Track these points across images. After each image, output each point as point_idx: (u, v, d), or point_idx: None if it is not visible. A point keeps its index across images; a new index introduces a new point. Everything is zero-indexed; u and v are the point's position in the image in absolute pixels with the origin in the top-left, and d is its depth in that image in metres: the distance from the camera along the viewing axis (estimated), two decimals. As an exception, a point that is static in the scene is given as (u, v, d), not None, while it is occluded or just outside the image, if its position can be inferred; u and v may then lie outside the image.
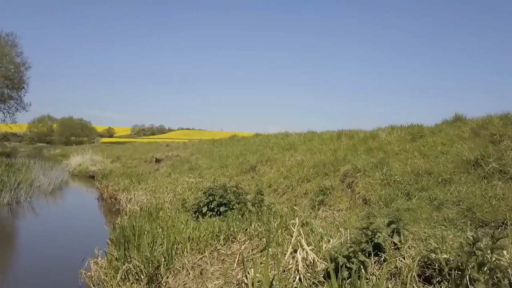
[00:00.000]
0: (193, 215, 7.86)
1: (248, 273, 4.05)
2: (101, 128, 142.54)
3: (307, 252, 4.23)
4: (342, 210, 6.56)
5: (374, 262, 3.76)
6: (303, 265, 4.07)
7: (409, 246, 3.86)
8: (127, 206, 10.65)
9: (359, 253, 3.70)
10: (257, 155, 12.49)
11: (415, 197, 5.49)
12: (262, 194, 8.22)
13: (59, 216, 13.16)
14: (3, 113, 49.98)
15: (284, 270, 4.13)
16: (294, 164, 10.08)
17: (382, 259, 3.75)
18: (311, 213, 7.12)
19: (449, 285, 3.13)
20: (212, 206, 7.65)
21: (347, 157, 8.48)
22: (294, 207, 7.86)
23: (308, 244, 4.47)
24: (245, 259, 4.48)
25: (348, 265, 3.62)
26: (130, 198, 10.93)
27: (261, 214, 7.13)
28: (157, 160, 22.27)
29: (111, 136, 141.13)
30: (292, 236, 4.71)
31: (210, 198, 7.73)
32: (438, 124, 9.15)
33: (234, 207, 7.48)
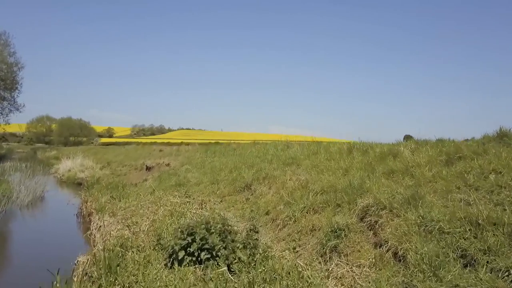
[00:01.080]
0: (168, 259, 6.06)
1: None
2: (100, 128, 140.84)
3: None
4: (364, 267, 4.75)
5: None
6: None
7: None
8: (97, 235, 8.84)
9: None
10: (254, 170, 10.66)
11: (480, 265, 3.66)
12: (257, 232, 6.41)
13: (24, 238, 11.37)
14: (-4, 114, 48.07)
15: None
16: (297, 185, 8.24)
17: None
18: (320, 264, 5.31)
19: None
20: (191, 250, 5.85)
21: (364, 183, 6.63)
22: (297, 249, 6.07)
23: None
24: None
25: None
26: (100, 226, 9.12)
27: (255, 265, 5.34)
28: (148, 168, 20.47)
29: (110, 136, 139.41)
30: None
31: (189, 239, 5.93)
32: (478, 139, 7.35)
33: (219, 253, 5.67)
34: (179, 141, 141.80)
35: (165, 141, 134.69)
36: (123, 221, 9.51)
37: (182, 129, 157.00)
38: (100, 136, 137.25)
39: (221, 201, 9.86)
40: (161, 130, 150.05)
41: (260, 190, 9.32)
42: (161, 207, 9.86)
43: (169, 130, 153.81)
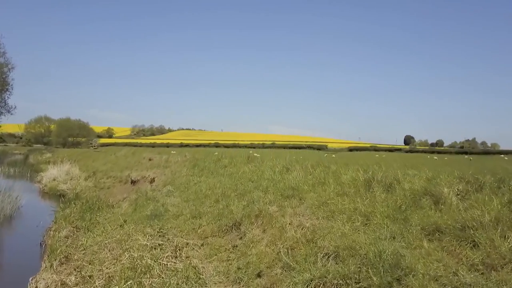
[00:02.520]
0: None
1: None
2: (100, 128, 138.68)
3: None
4: None
5: None
6: None
7: None
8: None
9: None
10: (245, 202, 8.41)
11: None
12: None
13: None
14: (-14, 117, 45.81)
15: None
16: (300, 236, 6.01)
17: None
18: None
19: None
20: None
21: (402, 257, 4.37)
22: None
23: None
24: None
25: None
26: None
27: None
28: (132, 182, 18.26)
29: (110, 136, 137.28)
30: None
31: None
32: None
33: None
34: (179, 141, 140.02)
35: (165, 141, 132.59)
36: (76, 271, 7.29)
37: (182, 129, 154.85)
38: (100, 136, 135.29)
39: (202, 245, 7.61)
40: (161, 131, 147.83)
41: (252, 234, 7.07)
42: (126, 252, 7.64)
43: (169, 130, 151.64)
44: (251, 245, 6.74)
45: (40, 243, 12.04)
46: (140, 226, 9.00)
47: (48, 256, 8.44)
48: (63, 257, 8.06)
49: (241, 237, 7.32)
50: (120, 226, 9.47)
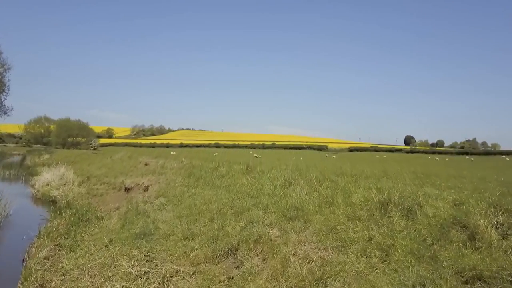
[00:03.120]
0: None
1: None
2: (100, 128, 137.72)
3: None
4: None
5: None
6: None
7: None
8: None
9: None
10: (242, 223, 7.47)
11: None
12: None
13: None
14: (-17, 118, 44.88)
15: None
16: (307, 274, 5.08)
17: None
18: None
19: None
20: None
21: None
22: None
23: None
24: None
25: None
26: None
27: None
28: (126, 189, 17.33)
29: (110, 137, 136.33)
30: None
31: None
32: None
33: None
34: (179, 142, 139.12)
35: (165, 142, 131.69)
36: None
37: (182, 129, 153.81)
38: (99, 136, 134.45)
39: (194, 273, 6.67)
40: (161, 131, 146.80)
41: (250, 264, 6.14)
42: (108, 282, 6.70)
43: (169, 130, 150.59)
44: (249, 278, 5.80)
45: (23, 259, 11.13)
46: (126, 247, 8.06)
47: (22, 283, 7.49)
48: (38, 286, 7.12)
49: (238, 266, 6.38)
50: (106, 246, 8.53)
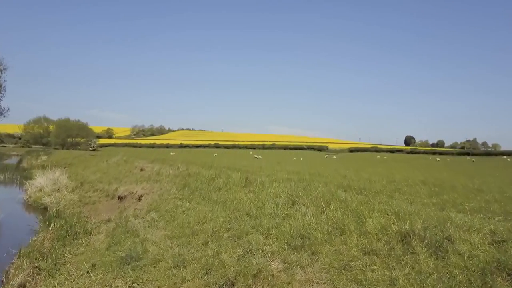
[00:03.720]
0: None
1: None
2: (100, 129, 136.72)
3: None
4: None
5: None
6: None
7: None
8: None
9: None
10: (240, 251, 6.52)
11: None
12: None
13: None
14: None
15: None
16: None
17: None
18: None
19: None
20: None
21: None
22: None
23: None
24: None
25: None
26: None
27: None
28: (119, 198, 16.39)
29: (110, 137, 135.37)
30: None
31: None
32: None
33: None
34: (179, 142, 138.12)
35: (164, 142, 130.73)
36: None
37: (182, 129, 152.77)
38: (99, 137, 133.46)
39: (183, 312, 5.73)
40: (161, 131, 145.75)
41: (249, 305, 5.21)
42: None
43: (169, 130, 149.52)
44: (247, 325, 4.86)
45: (2, 280, 10.19)
46: (110, 275, 7.10)
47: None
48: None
49: (234, 307, 5.44)
50: (88, 272, 7.58)
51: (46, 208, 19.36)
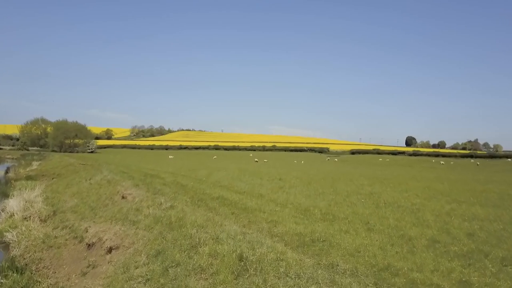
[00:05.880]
0: None
1: None
2: (99, 129, 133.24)
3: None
4: None
5: None
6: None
7: None
8: None
9: None
10: None
11: None
12: None
13: None
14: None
15: None
16: None
17: None
18: None
19: None
20: None
21: None
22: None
23: None
24: None
25: None
26: None
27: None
28: (89, 245, 13.01)
29: (109, 138, 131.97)
30: None
31: None
32: None
33: None
34: (178, 143, 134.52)
35: (164, 143, 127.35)
36: None
37: (182, 130, 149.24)
38: (98, 138, 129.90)
39: None
40: (161, 131, 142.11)
41: None
42: None
43: (169, 131, 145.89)
44: None
45: None
46: None
47: None
48: None
49: None
50: None
51: (8, 246, 16.03)
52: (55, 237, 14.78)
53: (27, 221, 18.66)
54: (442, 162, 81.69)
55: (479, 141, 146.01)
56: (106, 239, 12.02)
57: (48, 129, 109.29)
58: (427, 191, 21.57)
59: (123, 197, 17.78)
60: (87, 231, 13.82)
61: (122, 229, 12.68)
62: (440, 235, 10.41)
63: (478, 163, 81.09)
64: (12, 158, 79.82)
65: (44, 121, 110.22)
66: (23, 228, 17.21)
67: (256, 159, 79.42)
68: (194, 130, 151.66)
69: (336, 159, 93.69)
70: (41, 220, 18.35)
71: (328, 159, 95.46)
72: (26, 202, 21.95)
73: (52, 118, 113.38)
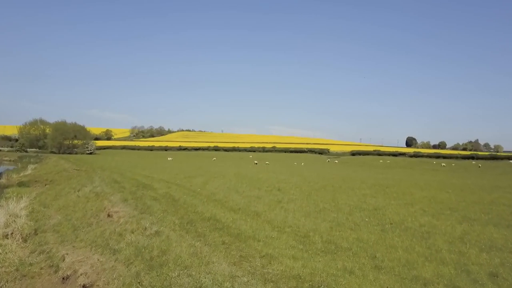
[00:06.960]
0: None
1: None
2: (99, 130, 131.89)
3: None
4: None
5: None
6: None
7: None
8: None
9: None
10: None
11: None
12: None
13: None
14: None
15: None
16: None
17: None
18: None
19: None
20: None
21: None
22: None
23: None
24: None
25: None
26: None
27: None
28: (63, 278, 11.62)
29: (109, 138, 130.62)
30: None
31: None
32: None
33: None
34: (178, 144, 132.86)
35: (163, 144, 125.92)
36: None
37: (182, 130, 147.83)
38: (98, 138, 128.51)
39: None
40: (161, 132, 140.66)
41: None
42: None
43: (169, 131, 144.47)
44: None
45: None
46: None
47: None
48: None
49: None
50: None
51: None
52: (30, 264, 13.40)
53: (7, 238, 17.30)
54: (443, 164, 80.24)
55: (479, 141, 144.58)
56: (81, 274, 10.64)
57: (47, 130, 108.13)
58: (434, 204, 20.15)
59: (108, 215, 16.42)
60: (64, 260, 12.44)
61: (101, 260, 11.30)
62: (459, 277, 8.99)
63: (480, 165, 79.61)
64: (10, 160, 78.48)
65: (42, 122, 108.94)
66: (1, 249, 15.85)
67: (256, 161, 77.95)
68: (194, 131, 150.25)
69: (336, 161, 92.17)
70: (22, 238, 16.98)
71: (328, 161, 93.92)
72: (9, 216, 20.57)
73: (52, 118, 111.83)
